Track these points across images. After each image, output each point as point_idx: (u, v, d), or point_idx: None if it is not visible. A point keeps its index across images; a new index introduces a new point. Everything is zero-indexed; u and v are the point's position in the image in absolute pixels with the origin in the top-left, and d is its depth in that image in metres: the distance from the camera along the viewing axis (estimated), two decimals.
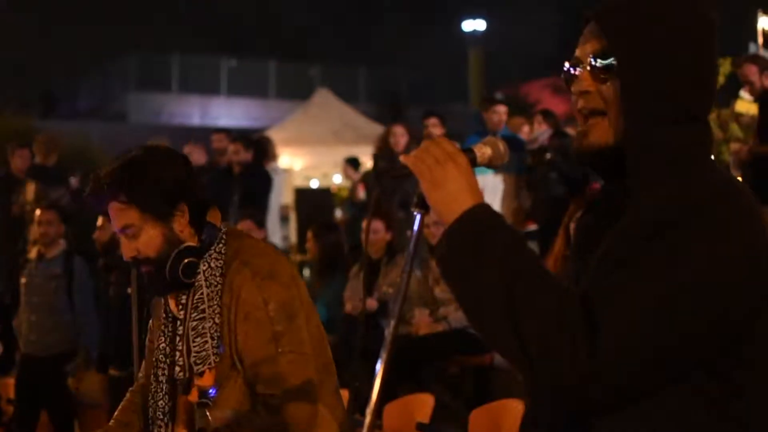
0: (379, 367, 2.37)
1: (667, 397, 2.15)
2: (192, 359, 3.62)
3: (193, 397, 3.65)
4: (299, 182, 17.15)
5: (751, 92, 9.91)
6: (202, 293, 3.61)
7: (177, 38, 33.11)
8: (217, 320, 3.58)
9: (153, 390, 3.77)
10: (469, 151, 2.38)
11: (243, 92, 33.76)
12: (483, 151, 2.41)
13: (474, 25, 31.12)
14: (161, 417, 3.74)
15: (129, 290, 8.23)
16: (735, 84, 12.99)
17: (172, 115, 31.65)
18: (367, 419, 2.41)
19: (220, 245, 3.66)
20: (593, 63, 2.32)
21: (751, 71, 9.51)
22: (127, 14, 33.16)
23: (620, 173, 2.31)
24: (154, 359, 3.79)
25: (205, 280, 3.61)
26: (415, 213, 2.38)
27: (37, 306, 8.83)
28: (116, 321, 8.54)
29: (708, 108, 2.34)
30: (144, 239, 3.60)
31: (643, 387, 2.14)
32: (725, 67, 12.86)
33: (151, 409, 3.77)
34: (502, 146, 2.43)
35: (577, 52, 2.38)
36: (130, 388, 4.06)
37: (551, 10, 28.79)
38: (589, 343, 2.08)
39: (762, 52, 13.04)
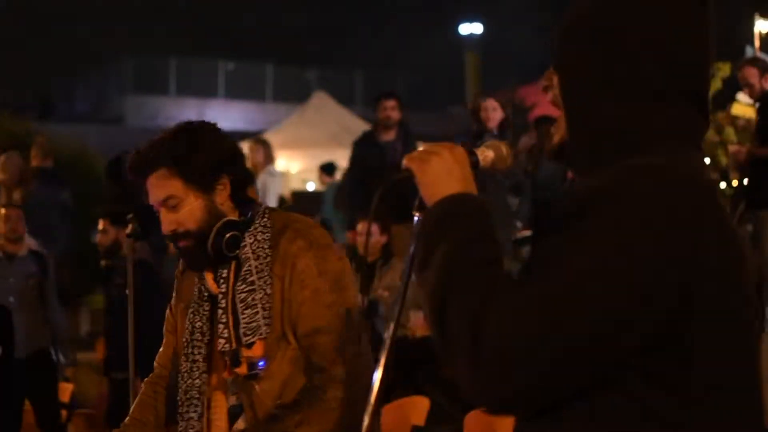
0: (378, 369, 2.36)
1: (599, 402, 2.06)
2: (241, 330, 3.60)
3: (243, 369, 3.63)
4: (296, 185, 17.19)
5: (751, 94, 9.92)
6: (250, 265, 3.61)
7: (174, 41, 33.11)
8: (268, 291, 3.59)
9: (187, 369, 3.74)
10: (471, 154, 2.33)
11: (240, 95, 33.83)
12: (485, 154, 2.40)
13: (471, 28, 31.14)
14: (197, 396, 3.71)
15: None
16: (732, 88, 13.01)
17: (170, 118, 31.58)
18: (366, 421, 2.39)
19: (265, 219, 3.68)
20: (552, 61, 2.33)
21: (752, 74, 9.53)
22: (124, 17, 33.15)
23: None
24: (185, 340, 3.77)
25: (253, 252, 3.62)
26: (415, 215, 2.33)
27: (17, 306, 8.76)
28: (117, 323, 8.55)
29: (681, 81, 2.21)
30: (186, 210, 3.60)
31: (562, 387, 2.04)
32: (724, 71, 12.88)
33: (181, 390, 3.74)
34: (504, 149, 2.41)
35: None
36: (146, 379, 4.03)
37: (549, 13, 28.78)
38: (480, 351, 1.99)
39: (759, 55, 13.06)
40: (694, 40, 2.23)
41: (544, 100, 25.80)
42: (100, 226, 8.74)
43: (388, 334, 2.39)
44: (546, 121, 11.44)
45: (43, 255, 9.01)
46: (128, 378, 8.14)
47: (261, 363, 3.59)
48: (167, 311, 3.98)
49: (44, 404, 8.83)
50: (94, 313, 14.61)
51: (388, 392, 7.34)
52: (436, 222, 2.16)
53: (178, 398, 3.76)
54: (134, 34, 32.89)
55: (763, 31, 13.43)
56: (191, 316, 3.77)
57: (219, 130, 3.72)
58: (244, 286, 3.62)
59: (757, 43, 10.41)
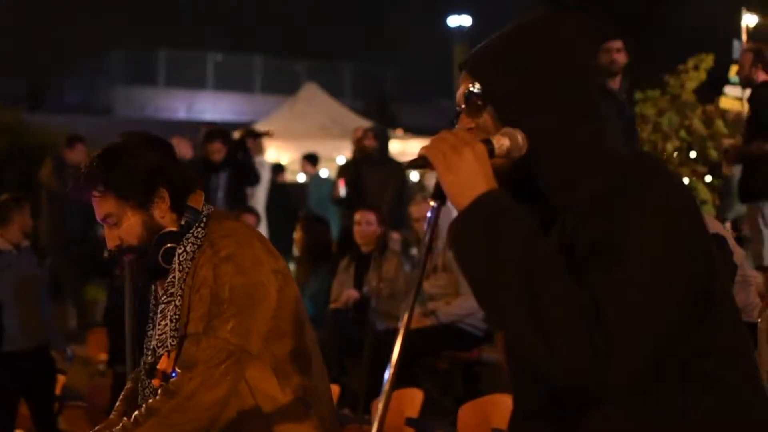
0: (393, 360, 2.41)
1: (654, 380, 2.25)
2: (155, 342, 3.63)
3: (156, 382, 3.62)
4: (286, 176, 17.14)
5: (740, 76, 9.97)
6: (173, 276, 3.61)
7: (163, 32, 32.99)
8: (177, 302, 3.58)
9: (141, 376, 3.78)
10: (486, 142, 2.38)
11: (229, 87, 33.72)
12: (501, 142, 2.41)
13: (459, 20, 31.08)
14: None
15: (139, 284, 8.27)
16: (716, 81, 13.03)
17: (158, 109, 31.63)
18: (379, 412, 2.42)
19: (198, 229, 3.65)
20: (465, 101, 2.45)
21: (746, 58, 9.56)
22: (114, 8, 33.03)
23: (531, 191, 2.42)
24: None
25: (179, 264, 3.61)
26: (431, 204, 2.39)
27: (24, 299, 8.73)
28: (118, 316, 8.51)
29: (587, 104, 2.43)
30: (125, 227, 3.61)
31: (647, 371, 2.22)
32: (707, 62, 12.89)
33: (140, 396, 3.77)
34: (520, 137, 2.42)
35: (456, 100, 2.50)
36: (130, 375, 4.07)
37: (536, 5, 28.77)
38: (604, 337, 2.14)
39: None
40: (584, 60, 2.49)
41: None
42: None
43: (402, 324, 2.42)
44: None
45: (38, 248, 9.00)
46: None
47: (174, 374, 3.55)
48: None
49: (41, 400, 8.79)
50: (81, 306, 14.54)
51: (381, 384, 7.35)
52: (484, 222, 2.26)
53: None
54: (124, 26, 32.77)
55: (751, 25, 13.45)
56: (149, 324, 3.79)
57: (149, 140, 3.70)
58: (165, 297, 3.63)
59: (744, 37, 10.45)
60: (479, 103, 2.44)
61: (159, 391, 3.54)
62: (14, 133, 18.94)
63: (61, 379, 9.16)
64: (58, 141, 18.85)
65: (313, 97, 20.74)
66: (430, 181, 14.41)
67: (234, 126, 16.49)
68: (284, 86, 29.81)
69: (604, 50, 8.85)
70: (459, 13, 31.09)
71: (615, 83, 8.96)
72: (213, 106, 31.85)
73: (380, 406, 2.41)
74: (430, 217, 2.39)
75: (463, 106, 2.48)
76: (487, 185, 2.29)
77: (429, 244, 2.42)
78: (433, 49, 32.56)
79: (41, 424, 8.72)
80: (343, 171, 12.91)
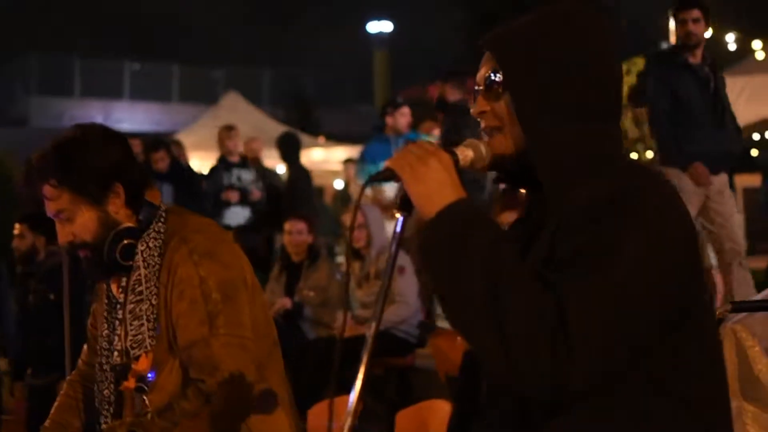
0: (361, 369, 2.41)
1: (620, 387, 2.24)
2: (128, 343, 3.52)
3: (131, 383, 3.52)
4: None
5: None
6: (139, 274, 3.51)
7: (79, 41, 32.71)
8: (153, 301, 3.48)
9: (98, 379, 3.65)
10: (450, 153, 2.37)
11: (146, 96, 33.50)
12: (465, 153, 2.40)
13: (380, 26, 31.18)
14: (106, 407, 3.61)
15: (52, 296, 8.11)
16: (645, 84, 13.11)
17: (75, 119, 31.19)
18: (348, 421, 2.40)
19: (159, 224, 3.55)
20: (485, 84, 2.42)
21: None
22: (28, 15, 32.67)
23: (533, 182, 2.40)
24: (98, 347, 3.68)
25: (143, 261, 3.51)
26: (397, 215, 2.37)
27: None
28: (36, 329, 8.41)
29: (610, 106, 2.42)
30: (79, 223, 3.49)
31: (613, 378, 2.21)
32: (638, 65, 12.97)
33: (96, 399, 3.65)
34: (483, 148, 2.42)
35: (476, 80, 2.47)
36: (68, 378, 3.92)
37: (459, 12, 28.91)
38: (566, 341, 2.12)
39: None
40: (612, 66, 2.45)
41: (452, 96, 25.91)
42: (17, 230, 8.56)
43: (370, 333, 2.41)
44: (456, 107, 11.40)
45: None
46: (47, 384, 8.03)
47: (150, 375, 3.48)
48: (92, 308, 3.85)
49: None
50: None
51: (314, 393, 7.32)
52: (452, 231, 2.24)
53: (96, 406, 3.67)
54: (39, 33, 32.43)
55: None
56: (100, 323, 3.69)
57: (106, 134, 3.58)
58: (132, 296, 3.53)
59: (672, 38, 10.45)
60: (498, 90, 2.42)
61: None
62: None
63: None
64: None
65: (235, 106, 20.65)
66: (354, 190, 14.47)
67: (152, 136, 16.29)
68: (202, 95, 29.74)
69: (679, 21, 8.61)
70: (379, 18, 31.19)
71: (696, 57, 8.64)
72: (130, 116, 31.58)
73: (348, 420, 2.40)
74: (396, 229, 2.37)
75: (481, 87, 2.44)
76: (455, 194, 2.28)
77: (395, 255, 2.38)
78: (353, 55, 32.65)
79: None
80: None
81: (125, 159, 3.55)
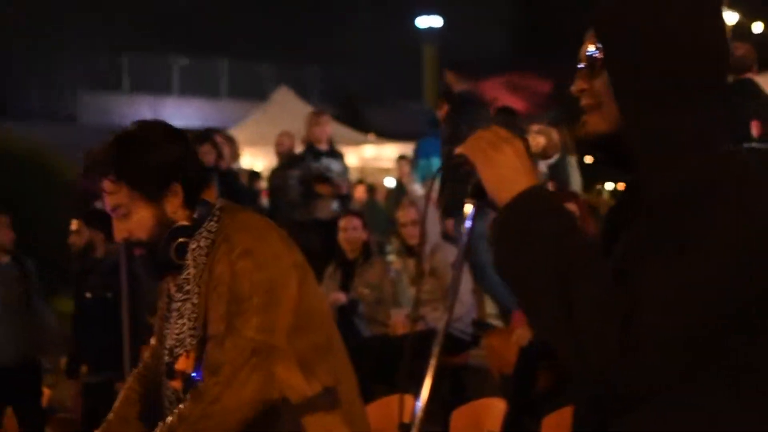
0: (430, 368, 2.37)
1: (690, 384, 2.18)
2: (173, 342, 3.52)
3: (177, 383, 3.51)
4: (262, 184, 16.98)
5: None
6: (189, 273, 3.49)
7: (128, 38, 32.84)
8: (195, 300, 3.46)
9: (162, 375, 3.65)
10: (522, 140, 2.34)
11: (195, 92, 33.63)
12: (537, 140, 2.37)
13: (429, 21, 31.15)
14: (167, 405, 3.59)
15: (109, 294, 8.12)
16: None
17: (123, 115, 31.37)
18: (417, 420, 2.36)
19: (211, 223, 3.52)
20: (585, 60, 2.36)
21: None
22: (76, 13, 32.84)
23: (628, 164, 2.34)
24: (160, 343, 3.69)
25: (193, 260, 3.48)
26: (470, 204, 2.37)
27: (2, 314, 8.59)
28: (92, 326, 8.42)
29: (716, 84, 2.31)
30: (135, 220, 3.48)
31: (679, 372, 2.16)
32: None
33: (163, 395, 3.64)
34: (555, 136, 2.38)
35: (579, 56, 2.41)
36: (133, 371, 3.91)
37: (507, 8, 28.86)
38: (635, 333, 2.08)
39: None
40: (724, 37, 2.34)
41: (502, 94, 25.91)
42: (74, 226, 8.58)
43: (441, 327, 2.40)
44: (506, 111, 11.36)
45: (24, 260, 8.86)
46: (103, 382, 8.03)
47: (195, 375, 3.45)
48: (159, 305, 3.84)
49: (28, 412, 8.69)
50: (59, 317, 14.37)
51: (368, 391, 7.28)
52: (524, 219, 2.23)
53: (165, 401, 3.66)
54: (88, 32, 32.59)
55: None
56: (161, 321, 3.70)
57: (168, 132, 3.56)
58: (180, 294, 3.53)
59: None
60: (597, 67, 2.35)
61: (188, 395, 3.40)
62: None
63: (47, 392, 9.10)
64: (20, 149, 18.78)
65: (286, 102, 20.68)
66: (412, 186, 14.40)
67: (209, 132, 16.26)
68: (251, 90, 29.80)
69: None
70: (428, 13, 31.14)
71: None
72: (179, 112, 31.62)
73: (417, 419, 2.37)
74: (469, 218, 2.37)
75: (582, 64, 2.38)
76: (528, 181, 2.27)
77: (467, 246, 2.41)
78: (402, 51, 32.59)
79: None
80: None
81: (185, 158, 3.54)
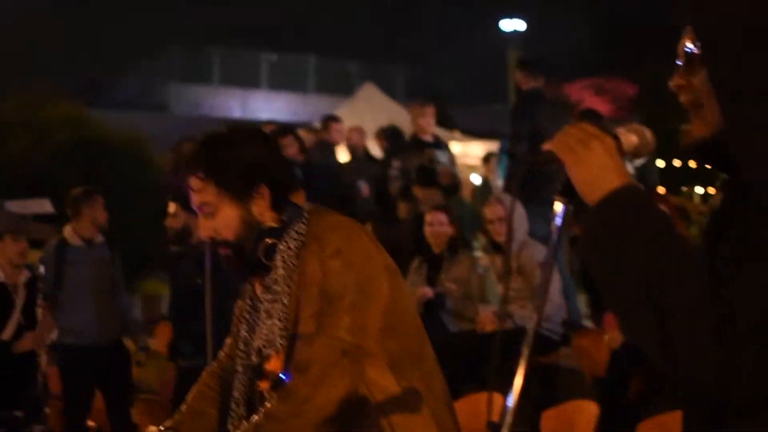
0: (521, 367, 2.36)
1: None
2: (261, 342, 3.54)
3: (265, 384, 3.54)
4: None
5: None
6: (277, 274, 3.50)
7: (219, 33, 33.10)
8: (285, 301, 3.47)
9: (235, 379, 3.69)
10: (613, 138, 2.28)
11: (283, 86, 33.76)
12: (629, 138, 2.33)
13: (512, 24, 30.99)
14: (234, 407, 3.64)
15: (199, 280, 8.18)
16: None
17: (213, 107, 31.69)
18: (507, 419, 2.36)
19: (301, 225, 3.53)
20: (684, 57, 2.29)
21: None
22: (169, 7, 33.17)
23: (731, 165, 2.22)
24: (239, 343, 3.71)
25: (282, 262, 3.49)
26: (559, 201, 2.32)
27: (94, 294, 8.70)
28: (184, 311, 8.48)
29: None
30: (221, 219, 3.51)
31: None
32: None
33: (236, 391, 3.68)
34: (648, 134, 2.36)
35: (678, 51, 2.33)
36: (207, 368, 3.98)
37: (592, 11, 28.66)
38: (733, 337, 2.01)
39: None
40: None
41: (588, 97, 25.69)
42: (171, 209, 8.63)
43: (531, 326, 2.37)
44: (590, 115, 11.30)
45: (113, 242, 8.92)
46: (194, 366, 8.11)
47: (284, 377, 3.45)
48: (237, 306, 3.88)
49: (116, 393, 8.76)
50: (146, 300, 14.58)
51: (454, 388, 7.28)
52: (616, 218, 2.15)
53: (231, 403, 3.69)
54: (180, 25, 32.90)
55: None
56: (241, 324, 3.72)
57: (257, 135, 3.60)
58: (269, 295, 3.53)
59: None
60: (695, 63, 2.27)
61: (276, 394, 3.43)
62: (74, 126, 19.02)
63: (133, 371, 9.18)
64: (115, 136, 19.02)
65: (372, 98, 20.65)
66: (498, 183, 14.36)
67: (288, 126, 16.36)
68: (338, 86, 29.84)
69: None
70: (512, 17, 30.98)
71: None
72: (268, 106, 31.87)
73: (508, 418, 2.37)
74: (559, 216, 2.33)
75: (680, 61, 2.31)
76: (619, 180, 2.20)
77: (557, 242, 2.36)
78: (486, 54, 32.45)
79: (116, 417, 8.70)
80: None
81: (272, 160, 3.57)
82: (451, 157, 11.88)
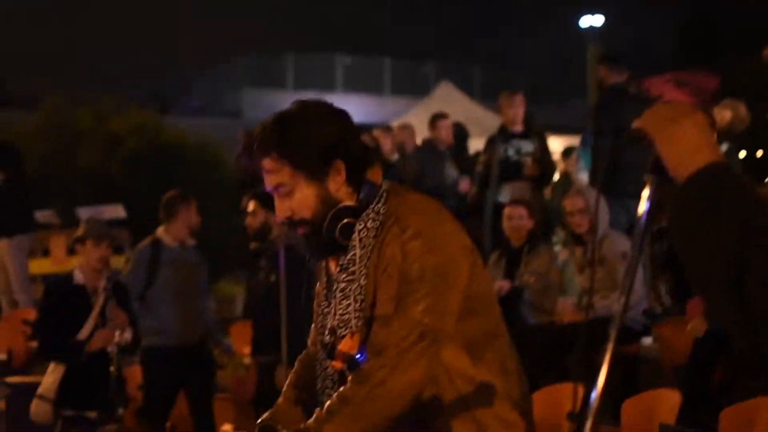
0: (606, 357, 2.30)
1: None
2: (336, 322, 3.47)
3: (338, 363, 3.45)
4: None
5: None
6: (354, 254, 3.42)
7: (290, 37, 33.32)
8: (362, 282, 3.39)
9: (319, 357, 3.59)
10: (705, 114, 2.24)
11: (358, 89, 33.83)
12: (722, 114, 2.27)
13: (591, 20, 30.92)
14: (330, 385, 3.53)
15: (273, 278, 8.18)
16: None
17: None
18: (592, 410, 2.28)
19: (379, 204, 3.44)
20: None
21: None
22: (241, 13, 33.46)
23: None
24: (319, 325, 3.63)
25: (359, 241, 3.41)
26: (649, 179, 2.27)
27: (185, 295, 8.75)
28: (260, 308, 8.51)
29: None
30: (298, 198, 3.43)
31: None
32: None
33: (319, 378, 3.59)
34: (743, 109, 2.26)
35: None
36: (299, 357, 3.88)
37: (671, 4, 28.45)
38: None
39: None
40: None
41: (668, 90, 25.44)
42: (250, 207, 8.68)
43: (616, 317, 2.33)
44: None
45: (197, 245, 9.04)
46: (271, 362, 8.10)
47: (359, 357, 3.37)
48: (316, 288, 3.79)
49: (200, 393, 8.82)
50: (220, 301, 14.67)
51: (536, 379, 7.20)
52: (705, 196, 2.11)
53: (318, 385, 3.61)
54: (252, 31, 33.17)
55: None
56: (323, 303, 3.63)
57: (329, 110, 3.49)
58: (345, 275, 3.45)
59: None
60: None
61: (350, 378, 3.34)
62: (149, 133, 19.31)
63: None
64: (187, 142, 19.23)
65: (447, 96, 20.62)
66: (580, 175, 14.24)
67: (365, 128, 16.37)
68: (413, 88, 29.88)
69: None
70: (591, 12, 30.88)
71: None
72: (342, 108, 31.93)
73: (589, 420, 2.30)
74: (648, 194, 2.26)
75: None
76: (710, 157, 2.15)
77: (646, 226, 2.28)
78: (565, 50, 32.39)
79: (198, 418, 8.72)
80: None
81: (347, 135, 3.46)
82: (543, 145, 11.70)
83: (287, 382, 3.83)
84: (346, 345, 3.42)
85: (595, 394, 2.26)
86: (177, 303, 8.67)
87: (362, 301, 3.39)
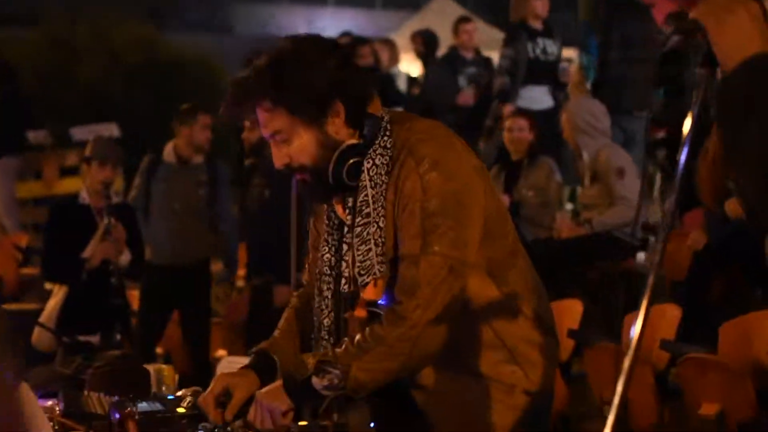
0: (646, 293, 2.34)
1: None
2: (356, 270, 3.33)
3: (361, 312, 3.37)
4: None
5: None
6: (366, 195, 3.30)
7: None
8: (381, 224, 3.28)
9: (317, 305, 3.49)
10: (759, 4, 2.23)
11: (350, 3, 33.49)
12: None
13: None
14: (326, 337, 3.46)
15: (266, 193, 8.08)
16: None
17: (280, 26, 31.44)
18: (626, 363, 2.27)
19: (385, 138, 3.31)
20: None
21: None
22: None
23: None
24: (317, 271, 3.50)
25: (370, 180, 3.29)
26: (699, 72, 2.24)
27: (180, 213, 8.66)
28: (252, 227, 8.42)
29: None
30: (296, 145, 3.29)
31: None
32: None
33: (315, 328, 3.51)
34: None
35: None
36: (295, 293, 3.80)
37: None
38: None
39: None
40: None
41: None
42: (247, 122, 8.53)
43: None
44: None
45: (216, 164, 8.88)
46: (266, 283, 8.04)
47: (383, 302, 3.30)
48: (310, 225, 3.67)
49: (194, 315, 8.74)
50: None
51: None
52: (754, 83, 2.12)
53: (312, 335, 3.54)
54: None
55: None
56: (322, 246, 3.49)
57: (325, 46, 3.35)
58: (359, 218, 3.32)
59: None
60: None
61: (385, 317, 3.26)
62: (145, 49, 19.14)
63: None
64: (184, 58, 19.06)
65: (443, 9, 20.39)
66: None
67: (365, 40, 16.14)
68: (405, 3, 29.56)
69: None
70: None
71: None
72: (334, 23, 31.47)
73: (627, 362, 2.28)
74: (698, 87, 2.22)
75: None
76: (762, 45, 2.15)
77: (696, 121, 2.21)
78: None
79: (192, 344, 8.67)
80: None
81: (345, 73, 3.32)
82: (560, 49, 11.00)
83: (285, 315, 3.71)
84: (371, 293, 3.34)
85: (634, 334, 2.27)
86: (171, 221, 8.59)
87: (383, 244, 3.29)
